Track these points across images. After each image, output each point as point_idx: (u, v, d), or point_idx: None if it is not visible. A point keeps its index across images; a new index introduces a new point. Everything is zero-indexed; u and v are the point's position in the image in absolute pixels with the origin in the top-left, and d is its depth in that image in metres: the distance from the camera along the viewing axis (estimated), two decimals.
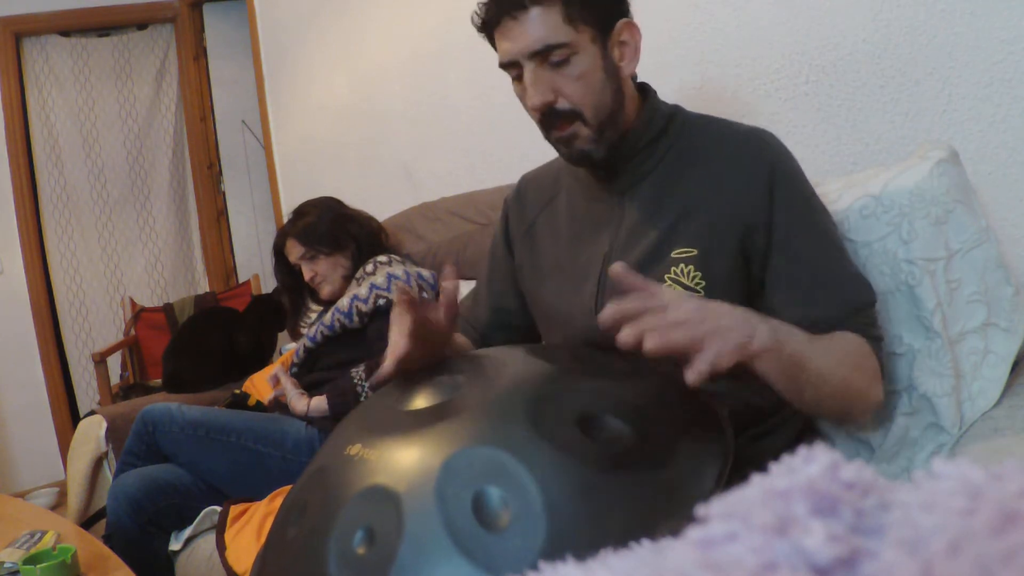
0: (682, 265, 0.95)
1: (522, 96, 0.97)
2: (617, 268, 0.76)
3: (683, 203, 0.97)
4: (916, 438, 1.01)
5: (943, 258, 1.02)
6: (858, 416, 0.95)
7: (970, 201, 1.04)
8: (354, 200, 2.05)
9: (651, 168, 1.01)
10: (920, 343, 1.01)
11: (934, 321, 1.00)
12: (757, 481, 0.33)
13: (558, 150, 1.02)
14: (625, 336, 0.72)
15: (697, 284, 0.94)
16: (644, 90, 1.05)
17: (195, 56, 3.81)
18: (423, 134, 2.34)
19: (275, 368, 1.84)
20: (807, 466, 0.32)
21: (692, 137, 1.01)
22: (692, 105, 1.09)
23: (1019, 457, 0.86)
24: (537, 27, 0.92)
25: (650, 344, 0.71)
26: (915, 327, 1.02)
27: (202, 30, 3.82)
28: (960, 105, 1.23)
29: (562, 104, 0.95)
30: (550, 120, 0.97)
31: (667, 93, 1.09)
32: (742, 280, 0.96)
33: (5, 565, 1.21)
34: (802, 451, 0.33)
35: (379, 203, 2.20)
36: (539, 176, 1.19)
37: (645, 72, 1.06)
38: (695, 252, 0.95)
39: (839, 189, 1.09)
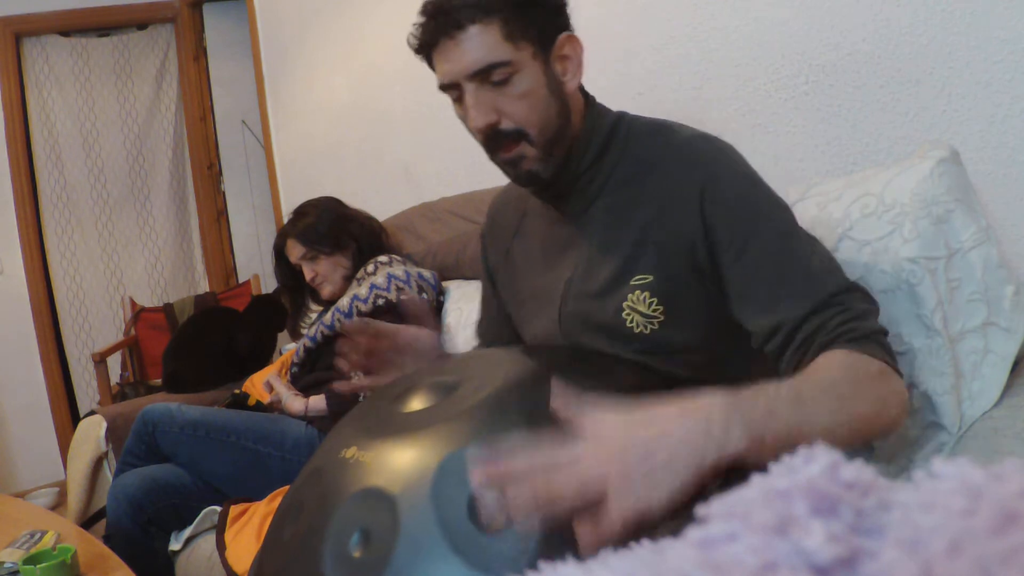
0: (638, 292, 0.91)
1: (464, 118, 0.93)
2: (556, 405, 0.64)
3: (637, 227, 0.92)
4: (916, 437, 1.01)
5: (943, 257, 1.02)
6: (896, 423, 0.80)
7: (970, 201, 1.04)
8: (354, 200, 2.05)
9: (599, 190, 0.97)
10: (920, 342, 1.01)
11: (934, 320, 1.00)
12: (757, 481, 0.33)
13: (505, 172, 0.97)
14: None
15: (654, 311, 0.90)
16: (585, 98, 0.99)
17: (195, 56, 3.81)
18: (423, 134, 2.33)
19: (269, 374, 1.84)
20: (807, 466, 0.32)
21: (636, 149, 0.96)
22: (692, 105, 1.08)
23: (1019, 457, 0.86)
24: (476, 46, 0.88)
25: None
26: (915, 326, 1.02)
27: (202, 30, 3.82)
28: (960, 105, 1.23)
29: (506, 124, 0.90)
30: (495, 142, 0.92)
31: (667, 93, 1.09)
32: (702, 299, 0.90)
33: (5, 565, 1.21)
34: (802, 451, 0.33)
35: (379, 203, 2.20)
36: (506, 200, 1.15)
37: (644, 72, 1.05)
38: (651, 279, 0.90)
39: (839, 189, 1.09)
